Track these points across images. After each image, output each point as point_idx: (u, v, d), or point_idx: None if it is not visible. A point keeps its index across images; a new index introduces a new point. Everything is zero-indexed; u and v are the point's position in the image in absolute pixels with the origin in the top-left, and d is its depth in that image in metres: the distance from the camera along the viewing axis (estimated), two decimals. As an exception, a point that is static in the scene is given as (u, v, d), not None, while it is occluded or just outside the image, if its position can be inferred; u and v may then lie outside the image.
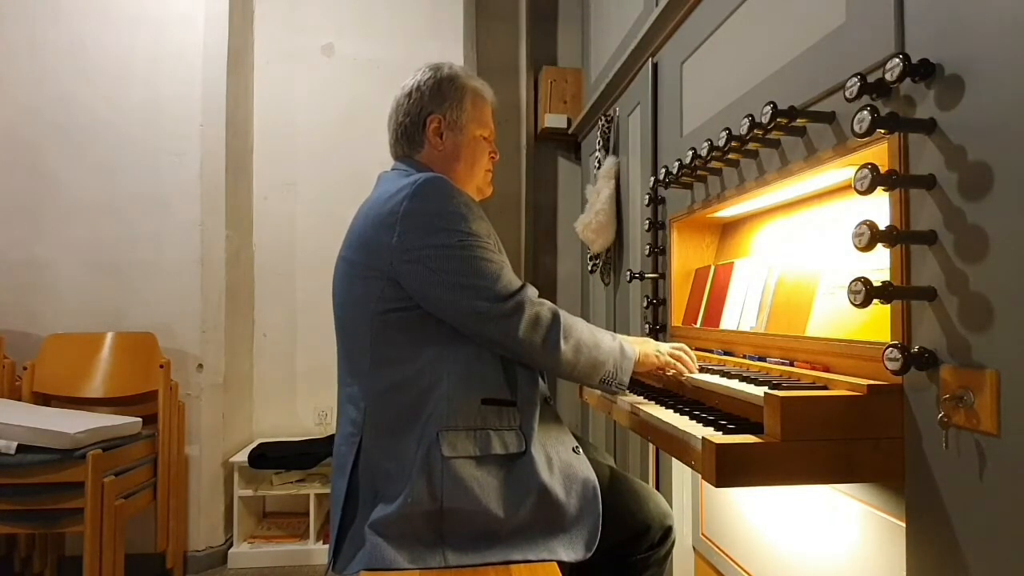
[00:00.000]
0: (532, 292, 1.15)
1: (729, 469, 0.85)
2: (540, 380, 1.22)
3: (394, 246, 1.10)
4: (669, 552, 1.26)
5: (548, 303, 1.15)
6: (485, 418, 1.12)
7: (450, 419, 1.09)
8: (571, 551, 1.10)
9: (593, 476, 1.16)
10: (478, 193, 1.34)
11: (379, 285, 1.13)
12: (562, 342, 1.12)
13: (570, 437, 1.22)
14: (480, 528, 1.08)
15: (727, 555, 1.50)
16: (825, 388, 0.92)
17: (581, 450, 1.20)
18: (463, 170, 1.29)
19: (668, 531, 1.24)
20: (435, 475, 1.07)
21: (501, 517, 1.08)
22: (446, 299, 1.10)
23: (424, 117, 1.27)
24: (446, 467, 1.07)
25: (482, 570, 1.05)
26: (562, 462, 1.15)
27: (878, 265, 0.94)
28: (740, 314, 1.39)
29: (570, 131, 2.98)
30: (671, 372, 1.26)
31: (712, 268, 1.59)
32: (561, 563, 1.09)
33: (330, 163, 2.88)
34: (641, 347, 1.25)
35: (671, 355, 1.26)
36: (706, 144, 1.29)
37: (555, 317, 1.13)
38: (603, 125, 2.30)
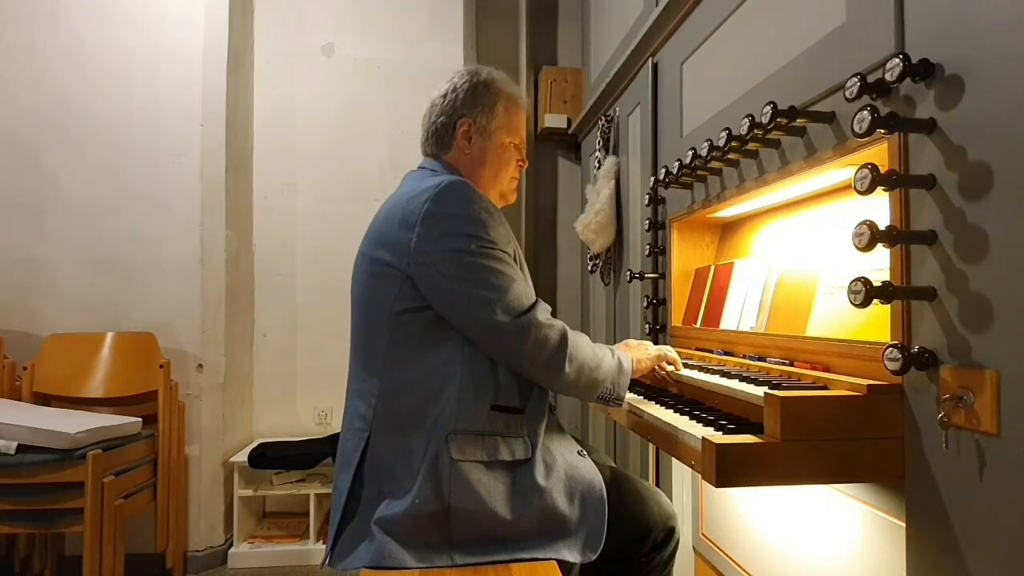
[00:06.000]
0: (542, 312, 1.13)
1: (729, 469, 0.85)
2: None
3: (412, 247, 1.10)
4: (673, 553, 1.26)
5: (558, 324, 1.14)
6: (493, 424, 1.11)
7: (459, 422, 1.09)
8: (576, 554, 1.10)
9: (599, 479, 1.15)
10: (501, 199, 1.34)
11: (397, 284, 1.13)
12: (566, 364, 1.12)
13: (573, 443, 1.22)
14: (486, 530, 1.08)
15: (727, 555, 1.50)
16: (825, 388, 0.92)
17: (586, 453, 1.21)
18: (488, 175, 1.29)
19: (671, 532, 1.24)
20: (443, 477, 1.07)
21: (508, 519, 1.08)
22: (451, 306, 1.10)
23: (455, 120, 1.27)
24: (454, 470, 1.07)
25: (483, 569, 1.05)
26: (568, 465, 1.15)
27: (878, 265, 0.94)
28: (740, 314, 1.39)
29: (570, 131, 2.98)
30: (666, 369, 1.30)
31: (712, 268, 1.59)
32: (564, 564, 1.09)
33: (330, 163, 2.88)
34: (634, 353, 1.27)
35: (659, 355, 1.31)
36: (706, 144, 1.29)
37: (563, 340, 1.12)
38: (603, 125, 2.30)
